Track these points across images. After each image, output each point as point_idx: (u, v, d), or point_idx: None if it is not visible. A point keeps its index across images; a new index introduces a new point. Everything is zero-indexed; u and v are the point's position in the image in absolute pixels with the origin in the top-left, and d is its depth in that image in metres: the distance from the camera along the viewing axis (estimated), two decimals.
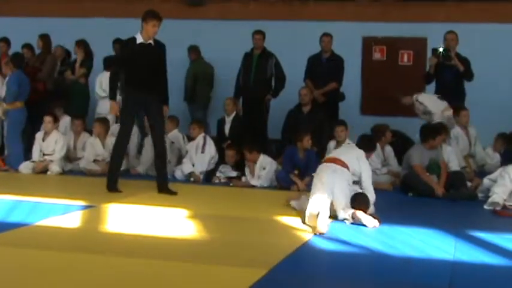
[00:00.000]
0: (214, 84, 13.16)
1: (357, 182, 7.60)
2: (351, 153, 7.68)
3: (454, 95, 10.76)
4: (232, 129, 11.21)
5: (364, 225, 7.01)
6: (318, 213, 6.90)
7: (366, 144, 8.01)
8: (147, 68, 8.69)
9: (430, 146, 9.52)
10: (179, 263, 5.59)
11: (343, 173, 7.36)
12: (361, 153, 7.71)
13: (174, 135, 11.15)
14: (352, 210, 7.11)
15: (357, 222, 7.06)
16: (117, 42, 12.83)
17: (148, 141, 10.45)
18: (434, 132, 9.61)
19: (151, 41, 8.79)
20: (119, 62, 9.10)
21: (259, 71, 11.52)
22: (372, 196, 7.52)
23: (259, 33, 11.62)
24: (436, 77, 11.06)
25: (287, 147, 10.00)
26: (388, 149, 10.41)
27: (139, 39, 8.75)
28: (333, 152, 8.05)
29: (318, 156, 10.26)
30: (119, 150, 8.98)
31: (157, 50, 8.87)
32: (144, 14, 8.82)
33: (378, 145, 10.11)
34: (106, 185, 8.83)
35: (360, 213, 7.06)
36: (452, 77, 10.76)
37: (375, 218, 7.08)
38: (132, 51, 8.75)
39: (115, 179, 8.89)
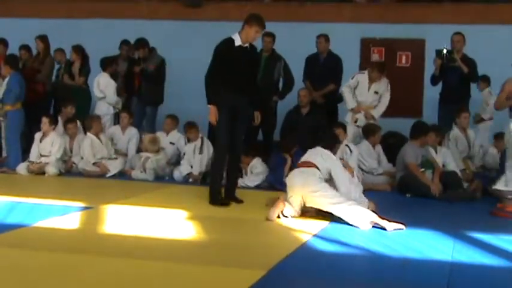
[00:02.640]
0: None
1: (328, 180, 7.57)
2: (315, 153, 7.72)
3: (458, 96, 10.76)
4: None
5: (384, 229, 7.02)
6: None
7: (325, 140, 7.97)
8: (244, 72, 8.32)
9: (422, 142, 9.57)
10: (177, 264, 5.59)
11: (310, 171, 7.48)
12: (324, 150, 7.74)
13: (174, 135, 11.15)
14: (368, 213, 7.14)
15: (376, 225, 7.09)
16: (124, 43, 12.83)
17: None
18: (426, 128, 9.67)
19: (247, 45, 8.41)
20: (217, 64, 8.46)
21: (267, 73, 11.47)
22: (345, 189, 7.49)
23: (269, 36, 11.55)
24: (441, 79, 11.06)
25: (274, 156, 9.99)
26: (378, 148, 10.42)
27: (238, 42, 8.36)
28: (302, 158, 8.00)
29: None
30: (223, 162, 8.56)
31: (253, 54, 8.56)
32: (249, 17, 8.40)
33: (370, 145, 10.14)
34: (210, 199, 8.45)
35: (383, 222, 7.06)
36: (457, 79, 10.75)
37: (396, 222, 7.07)
38: (231, 52, 8.36)
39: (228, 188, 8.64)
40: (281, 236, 6.81)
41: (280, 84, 11.67)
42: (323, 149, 7.75)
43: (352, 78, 10.78)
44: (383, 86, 10.73)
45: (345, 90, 10.85)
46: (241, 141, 8.65)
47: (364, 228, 7.00)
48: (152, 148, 10.61)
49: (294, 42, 12.95)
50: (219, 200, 8.35)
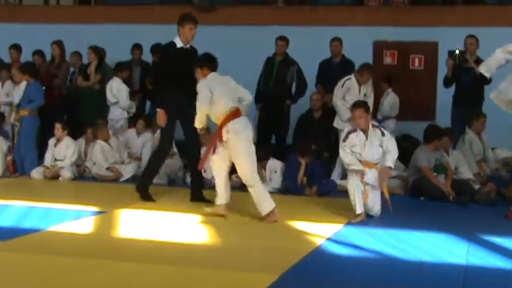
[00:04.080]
0: None
1: None
2: None
3: (471, 99, 10.71)
4: None
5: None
6: None
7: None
8: (187, 72, 8.46)
9: (435, 146, 9.56)
10: (191, 268, 5.59)
11: None
12: None
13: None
14: None
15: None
16: (135, 47, 12.84)
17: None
18: (439, 133, 9.64)
19: (188, 46, 8.65)
20: (163, 68, 8.75)
21: (280, 77, 11.48)
22: None
23: (283, 40, 11.56)
24: (454, 80, 11.01)
25: (289, 157, 9.97)
26: None
27: (179, 44, 8.58)
28: None
29: (327, 161, 10.27)
30: (163, 155, 8.95)
31: (193, 54, 8.72)
32: (179, 18, 8.69)
33: None
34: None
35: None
36: (470, 80, 10.67)
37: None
38: (174, 55, 8.58)
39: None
40: (294, 240, 6.80)
41: (293, 88, 11.66)
42: None
43: (342, 86, 10.62)
44: (369, 86, 10.67)
45: (338, 103, 10.59)
46: (196, 140, 8.81)
47: None
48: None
49: (307, 46, 12.93)
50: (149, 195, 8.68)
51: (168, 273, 5.42)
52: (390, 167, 7.95)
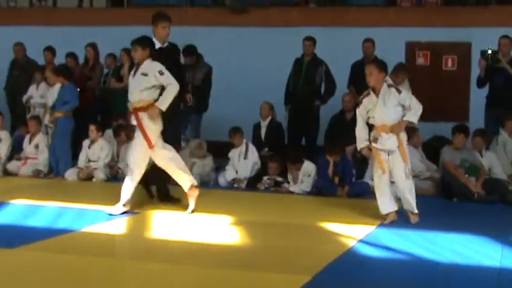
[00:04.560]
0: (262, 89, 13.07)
1: None
2: None
3: (505, 99, 10.62)
4: (267, 134, 11.21)
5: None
6: None
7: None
8: (170, 72, 8.43)
9: (458, 143, 9.62)
10: (223, 269, 5.61)
11: None
12: None
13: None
14: None
15: None
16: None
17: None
18: (456, 128, 9.76)
19: (166, 44, 8.65)
20: None
21: (309, 78, 11.48)
22: None
23: (309, 40, 11.58)
24: (487, 81, 10.93)
25: (320, 158, 9.96)
26: (420, 151, 10.34)
27: (157, 45, 8.54)
28: None
29: (361, 162, 10.22)
30: None
31: (172, 54, 8.78)
32: (152, 17, 8.67)
33: (412, 148, 10.06)
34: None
35: None
36: (503, 81, 10.58)
37: None
38: (153, 57, 8.52)
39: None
40: (327, 241, 6.79)
41: (322, 89, 11.65)
42: None
43: None
44: (406, 87, 10.60)
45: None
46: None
47: None
48: (199, 153, 10.68)
49: (339, 47, 12.90)
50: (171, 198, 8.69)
51: (199, 274, 5.44)
52: (411, 122, 7.55)
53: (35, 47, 13.19)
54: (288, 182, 9.91)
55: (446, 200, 9.32)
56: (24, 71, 13.02)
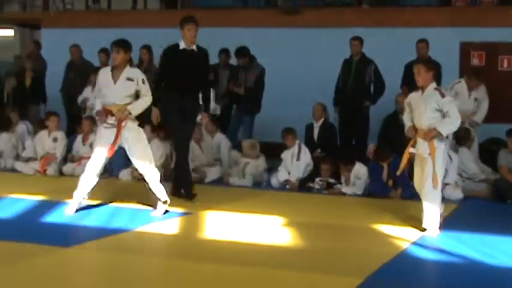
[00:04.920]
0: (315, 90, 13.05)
1: None
2: None
3: None
4: (320, 135, 11.18)
5: None
6: None
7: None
8: (189, 74, 8.79)
9: (510, 146, 9.52)
10: (274, 270, 5.62)
11: None
12: None
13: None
14: None
15: None
16: (223, 52, 12.93)
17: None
18: (509, 132, 9.65)
19: (193, 47, 8.87)
20: (163, 68, 9.18)
21: (358, 78, 11.45)
22: None
23: (356, 39, 11.56)
24: None
25: (371, 162, 9.90)
26: (475, 153, 10.24)
27: (182, 46, 8.86)
28: None
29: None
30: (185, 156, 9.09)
31: (198, 56, 8.92)
32: (180, 20, 8.94)
33: (468, 150, 9.95)
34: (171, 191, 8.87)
35: None
36: None
37: None
38: (174, 57, 8.90)
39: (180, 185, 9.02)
40: (379, 243, 6.75)
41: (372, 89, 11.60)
42: None
43: (450, 89, 10.59)
44: (481, 92, 10.54)
45: None
46: (188, 140, 9.08)
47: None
48: (252, 153, 10.71)
49: (393, 47, 12.82)
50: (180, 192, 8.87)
51: (251, 275, 5.46)
52: (439, 133, 7.02)
53: (91, 49, 13.39)
54: (341, 184, 9.87)
55: (501, 203, 9.18)
56: (80, 73, 13.24)
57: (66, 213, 7.77)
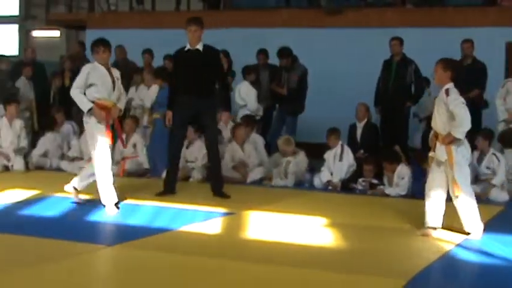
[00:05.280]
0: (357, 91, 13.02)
1: None
2: None
3: None
4: (363, 135, 11.14)
5: None
6: None
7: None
8: (196, 74, 8.86)
9: None
10: (316, 271, 5.61)
11: None
12: None
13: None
14: None
15: None
16: (261, 52, 12.96)
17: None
18: None
19: (198, 47, 8.94)
20: (173, 71, 9.40)
21: (399, 78, 11.40)
22: None
23: (396, 40, 11.51)
24: None
25: (414, 164, 9.84)
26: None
27: (187, 47, 9.00)
28: None
29: None
30: (175, 157, 9.30)
31: (204, 56, 8.96)
32: (185, 22, 9.04)
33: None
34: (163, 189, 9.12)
35: None
36: None
37: None
38: (180, 59, 9.08)
39: (171, 182, 9.18)
40: (422, 245, 6.69)
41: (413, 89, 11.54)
42: None
43: (502, 87, 10.52)
44: None
45: (497, 103, 10.76)
46: (215, 139, 9.20)
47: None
48: (288, 148, 10.68)
49: (437, 48, 12.68)
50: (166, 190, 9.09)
51: (293, 275, 5.46)
52: (455, 136, 6.69)
53: (134, 50, 13.52)
54: (384, 185, 9.82)
55: None
56: (124, 73, 13.34)
57: (108, 214, 7.86)
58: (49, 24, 18.97)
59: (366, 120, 11.18)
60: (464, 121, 6.69)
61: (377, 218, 8.10)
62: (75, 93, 8.08)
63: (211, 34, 14.35)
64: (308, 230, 7.23)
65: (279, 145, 10.84)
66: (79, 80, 8.08)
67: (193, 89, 8.88)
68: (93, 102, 7.96)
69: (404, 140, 11.53)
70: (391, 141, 11.39)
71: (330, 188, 10.27)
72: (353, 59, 13.56)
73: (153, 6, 16.81)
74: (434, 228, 6.99)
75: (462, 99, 6.80)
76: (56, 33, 22.70)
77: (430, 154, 7.07)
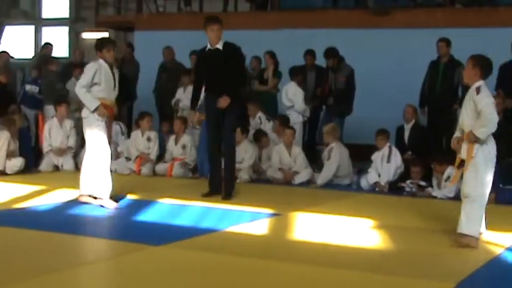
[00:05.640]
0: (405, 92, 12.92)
1: None
2: None
3: None
4: (411, 137, 11.04)
5: None
6: None
7: None
8: (216, 73, 8.85)
9: None
10: (363, 273, 5.58)
11: None
12: None
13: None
14: None
15: None
16: (309, 53, 12.93)
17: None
18: None
19: (218, 46, 8.91)
20: (196, 70, 9.46)
21: (446, 80, 11.28)
22: None
23: (443, 41, 11.39)
24: None
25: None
26: None
27: (208, 46, 8.99)
28: None
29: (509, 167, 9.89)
30: (215, 158, 9.22)
31: (224, 54, 8.92)
32: (203, 21, 9.04)
33: None
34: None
35: None
36: None
37: None
38: (201, 59, 9.16)
39: (215, 182, 9.10)
40: (472, 248, 6.59)
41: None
42: None
43: None
44: None
45: None
46: (229, 140, 9.07)
47: None
48: (334, 135, 10.89)
49: (486, 48, 12.47)
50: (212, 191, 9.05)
51: (340, 277, 5.44)
52: (476, 135, 6.46)
53: (182, 51, 13.60)
54: (432, 186, 9.72)
55: None
56: (172, 74, 13.48)
57: (108, 208, 8.06)
58: (98, 26, 19.15)
59: (413, 121, 11.08)
60: (490, 122, 6.46)
61: (424, 220, 8.03)
62: (81, 92, 8.24)
63: (258, 35, 14.48)
64: (354, 231, 7.19)
65: (325, 132, 10.87)
66: (85, 79, 8.24)
67: (216, 89, 8.91)
68: None
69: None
70: (439, 143, 11.27)
71: (377, 189, 10.22)
72: (400, 60, 13.45)
73: (200, 8, 16.89)
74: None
75: (492, 100, 6.63)
76: (105, 35, 22.98)
77: (458, 156, 6.84)
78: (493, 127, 6.49)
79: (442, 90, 11.34)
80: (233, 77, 8.97)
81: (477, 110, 6.50)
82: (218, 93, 8.86)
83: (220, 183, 9.07)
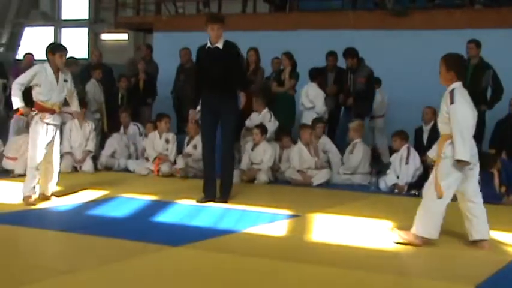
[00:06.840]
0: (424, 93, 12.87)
1: None
2: None
3: None
4: (430, 139, 10.99)
5: None
6: None
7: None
8: (216, 71, 8.73)
9: None
10: (382, 274, 5.57)
11: None
12: None
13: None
14: None
15: None
16: (330, 54, 12.91)
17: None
18: None
19: (219, 45, 8.84)
20: (195, 69, 9.34)
21: (474, 82, 11.18)
22: None
23: (472, 42, 11.30)
24: None
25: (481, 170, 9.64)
26: None
27: (208, 44, 8.92)
28: None
29: None
30: (209, 162, 8.97)
31: (224, 53, 8.85)
32: (206, 19, 9.03)
33: None
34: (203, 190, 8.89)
35: None
36: None
37: None
38: (201, 57, 9.01)
39: (209, 187, 8.88)
40: (491, 250, 6.56)
41: (488, 93, 11.29)
42: None
43: None
44: None
45: None
46: (227, 141, 8.90)
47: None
48: (360, 132, 11.08)
49: (507, 49, 12.47)
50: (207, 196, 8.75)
51: (358, 278, 5.43)
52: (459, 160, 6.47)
53: None
54: None
55: None
56: (190, 76, 13.48)
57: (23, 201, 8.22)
58: (117, 28, 19.28)
59: (432, 122, 11.02)
60: (466, 140, 6.61)
61: (445, 221, 7.98)
62: (14, 87, 8.34)
63: (277, 36, 14.48)
64: (373, 233, 7.17)
65: (351, 128, 10.96)
66: (24, 78, 8.32)
67: (215, 88, 8.80)
68: (34, 102, 8.29)
69: (479, 144, 11.31)
70: None
71: (396, 191, 10.19)
72: (420, 61, 13.38)
73: (219, 9, 16.92)
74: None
75: (468, 110, 6.66)
76: (124, 36, 23.07)
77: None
78: (470, 142, 6.58)
79: (470, 91, 11.22)
80: (233, 78, 8.91)
81: (448, 117, 6.52)
82: (217, 93, 8.80)
83: (215, 187, 8.87)
